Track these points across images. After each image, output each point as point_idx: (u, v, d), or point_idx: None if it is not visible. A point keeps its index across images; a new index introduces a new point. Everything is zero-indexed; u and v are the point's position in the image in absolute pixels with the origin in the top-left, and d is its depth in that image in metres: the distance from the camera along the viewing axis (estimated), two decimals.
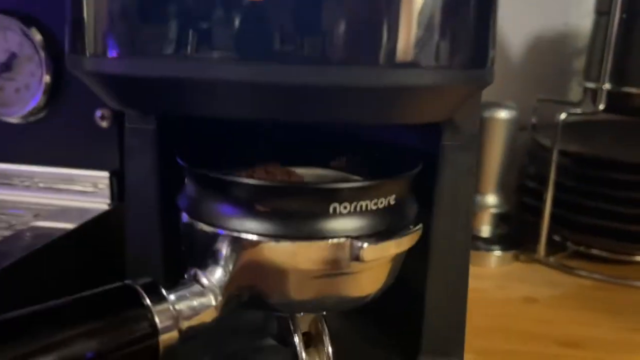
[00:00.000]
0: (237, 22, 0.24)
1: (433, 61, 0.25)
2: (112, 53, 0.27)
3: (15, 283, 0.36)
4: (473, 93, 0.28)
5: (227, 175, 0.31)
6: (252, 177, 0.34)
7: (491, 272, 0.63)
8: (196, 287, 0.29)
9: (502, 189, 0.66)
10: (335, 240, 0.29)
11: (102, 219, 0.46)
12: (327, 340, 0.34)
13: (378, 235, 0.30)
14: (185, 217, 0.33)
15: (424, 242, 0.34)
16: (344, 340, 0.42)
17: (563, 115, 0.60)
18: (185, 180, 0.34)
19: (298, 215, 0.29)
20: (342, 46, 0.24)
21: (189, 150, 0.35)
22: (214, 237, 0.31)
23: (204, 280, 0.30)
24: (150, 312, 0.27)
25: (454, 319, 0.37)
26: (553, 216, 0.63)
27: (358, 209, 0.30)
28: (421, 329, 0.37)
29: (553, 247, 0.65)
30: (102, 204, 0.48)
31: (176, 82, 0.26)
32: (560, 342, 0.48)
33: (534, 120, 0.69)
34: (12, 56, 0.48)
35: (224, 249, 0.30)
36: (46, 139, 0.49)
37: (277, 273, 0.30)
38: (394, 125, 0.35)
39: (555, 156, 0.60)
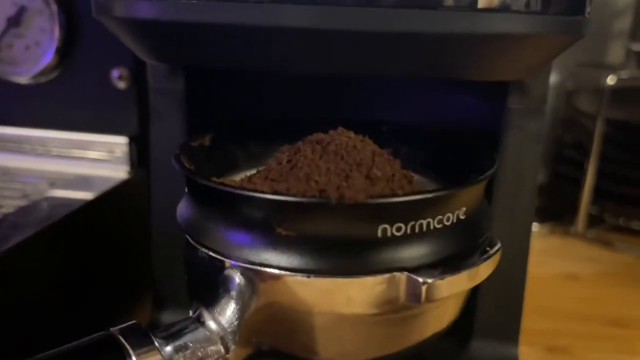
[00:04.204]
0: None
1: (526, 6, 0.21)
2: None
3: (34, 256, 0.33)
4: (564, 46, 0.24)
5: (236, 182, 0.24)
6: (268, 179, 0.25)
7: None
8: (201, 332, 0.23)
9: None
10: (386, 276, 0.22)
11: (122, 187, 0.42)
12: None
13: (444, 264, 0.23)
14: (187, 237, 0.26)
15: None
16: None
17: (611, 80, 0.55)
18: (186, 189, 0.27)
19: (334, 241, 0.22)
20: None
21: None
22: (222, 269, 0.24)
23: (211, 324, 0.23)
24: None
25: (511, 302, 0.34)
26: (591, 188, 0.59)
27: (417, 229, 0.22)
28: (474, 312, 0.34)
29: (589, 220, 0.61)
30: (120, 171, 0.44)
31: (224, 29, 0.22)
32: (607, 322, 0.46)
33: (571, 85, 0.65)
34: (21, 10, 0.43)
35: (237, 284, 0.23)
36: (59, 101, 0.45)
37: (307, 317, 0.23)
38: (462, 85, 0.31)
39: (600, 124, 0.56)
